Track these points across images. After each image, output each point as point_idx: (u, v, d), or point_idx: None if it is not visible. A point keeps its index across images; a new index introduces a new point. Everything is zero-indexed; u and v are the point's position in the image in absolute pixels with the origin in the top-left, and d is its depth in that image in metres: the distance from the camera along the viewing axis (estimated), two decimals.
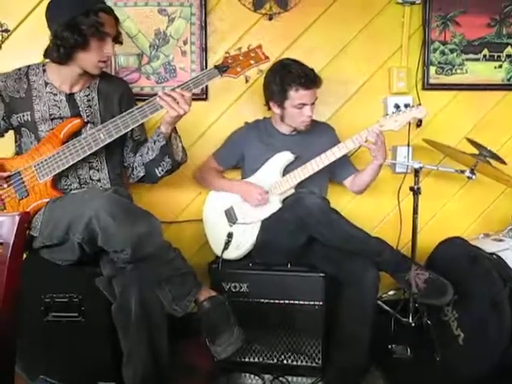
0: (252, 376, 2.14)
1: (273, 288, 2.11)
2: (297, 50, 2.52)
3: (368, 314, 1.97)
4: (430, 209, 2.67)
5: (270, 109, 2.32)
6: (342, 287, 2.01)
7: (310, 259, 2.14)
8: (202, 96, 2.51)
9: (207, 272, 2.19)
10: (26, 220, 1.11)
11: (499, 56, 2.61)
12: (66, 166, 1.83)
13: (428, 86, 2.61)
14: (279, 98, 2.20)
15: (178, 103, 1.80)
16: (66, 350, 1.86)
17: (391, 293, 2.50)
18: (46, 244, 1.78)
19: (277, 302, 2.11)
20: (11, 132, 2.01)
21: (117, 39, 1.91)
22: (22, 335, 1.60)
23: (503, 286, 1.86)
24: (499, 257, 2.00)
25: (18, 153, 1.98)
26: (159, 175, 2.01)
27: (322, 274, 2.08)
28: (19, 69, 1.94)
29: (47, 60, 1.91)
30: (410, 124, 2.42)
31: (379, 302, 2.37)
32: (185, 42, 2.49)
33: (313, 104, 2.21)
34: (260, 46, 1.98)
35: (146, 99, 1.86)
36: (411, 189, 2.36)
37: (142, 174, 2.05)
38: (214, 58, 2.47)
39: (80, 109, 1.94)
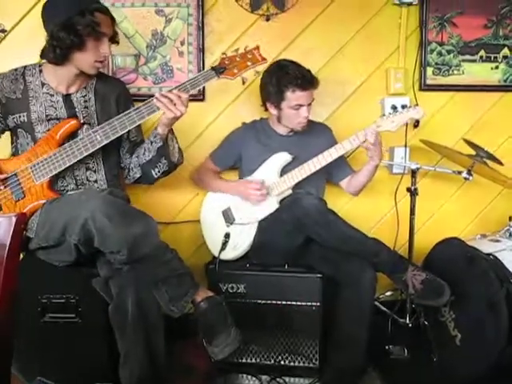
0: (249, 377, 2.13)
1: (270, 289, 2.11)
2: (294, 50, 2.52)
3: (365, 315, 1.97)
4: (427, 209, 2.67)
5: (266, 110, 2.32)
6: (339, 288, 2.01)
7: (308, 260, 2.14)
8: (199, 97, 2.51)
9: (204, 273, 2.19)
10: (22, 221, 1.11)
11: (496, 57, 2.62)
12: (63, 168, 1.83)
13: (425, 87, 2.62)
14: (276, 99, 2.20)
15: (174, 105, 1.80)
16: (63, 351, 1.86)
17: (388, 293, 2.50)
18: (42, 245, 1.78)
19: (274, 302, 2.11)
20: (8, 133, 2.00)
21: (113, 39, 1.91)
22: (19, 336, 1.60)
23: (500, 287, 1.87)
24: (496, 257, 2.01)
25: (15, 154, 1.97)
26: (156, 176, 2.01)
27: (319, 275, 2.08)
28: (15, 69, 1.94)
29: (44, 60, 1.90)
30: (407, 125, 2.42)
31: (376, 303, 2.37)
32: (182, 43, 2.49)
33: (309, 105, 2.22)
34: (257, 48, 1.99)
35: (143, 100, 1.86)
36: (408, 189, 2.37)
37: (138, 175, 2.05)
38: (211, 59, 2.47)
39: (76, 110, 1.94)
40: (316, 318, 2.09)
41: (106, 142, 1.83)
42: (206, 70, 1.94)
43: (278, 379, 2.11)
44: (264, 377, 2.12)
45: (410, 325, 2.35)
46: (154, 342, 1.70)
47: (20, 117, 1.90)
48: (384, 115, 2.15)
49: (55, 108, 1.91)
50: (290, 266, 2.16)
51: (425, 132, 2.59)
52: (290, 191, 2.23)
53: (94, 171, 1.97)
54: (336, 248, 2.00)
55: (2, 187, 1.85)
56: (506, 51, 2.62)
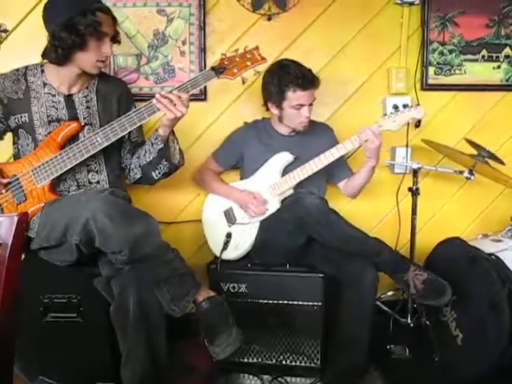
0: (251, 376, 2.13)
1: (272, 288, 2.11)
2: (295, 50, 2.52)
3: (367, 315, 1.97)
4: (428, 209, 2.67)
5: (268, 109, 2.32)
6: (341, 288, 2.01)
7: (309, 260, 2.14)
8: (201, 96, 2.51)
9: (206, 272, 2.19)
10: (24, 221, 1.11)
11: (498, 57, 2.61)
12: (64, 170, 1.84)
13: (427, 87, 2.61)
14: (277, 99, 2.20)
15: (175, 105, 1.79)
16: (65, 351, 1.86)
17: (390, 293, 2.50)
18: (44, 246, 1.78)
19: (275, 302, 2.11)
20: (9, 134, 2.01)
21: (115, 39, 1.91)
22: (21, 336, 1.61)
23: (502, 287, 1.86)
24: (498, 257, 2.00)
25: (17, 155, 1.97)
26: (156, 178, 2.01)
27: (320, 275, 2.08)
28: (17, 69, 1.94)
29: (45, 61, 1.90)
30: (408, 124, 2.43)
31: (378, 303, 2.37)
32: (183, 43, 2.49)
33: (311, 105, 2.21)
34: (256, 48, 1.98)
35: (144, 99, 1.87)
36: (410, 189, 2.37)
37: (138, 176, 2.05)
38: (213, 59, 2.47)
39: (78, 110, 1.94)
40: (318, 317, 2.09)
41: (106, 143, 1.83)
42: (205, 70, 1.94)
43: (279, 379, 2.11)
44: (266, 376, 2.12)
45: (412, 324, 2.36)
46: (155, 342, 1.70)
47: (21, 117, 1.90)
48: (385, 115, 2.15)
49: (56, 108, 1.91)
50: (292, 266, 2.16)
51: (426, 132, 2.59)
52: (292, 191, 2.23)
53: (96, 172, 1.97)
54: (337, 248, 2.00)
55: (3, 191, 1.86)
56: (507, 51, 2.61)
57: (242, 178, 2.41)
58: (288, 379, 2.11)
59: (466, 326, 2.02)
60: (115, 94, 2.03)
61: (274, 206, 2.21)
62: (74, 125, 1.88)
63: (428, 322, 2.29)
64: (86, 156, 1.83)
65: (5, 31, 2.38)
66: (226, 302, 1.77)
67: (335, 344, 2.04)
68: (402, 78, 2.57)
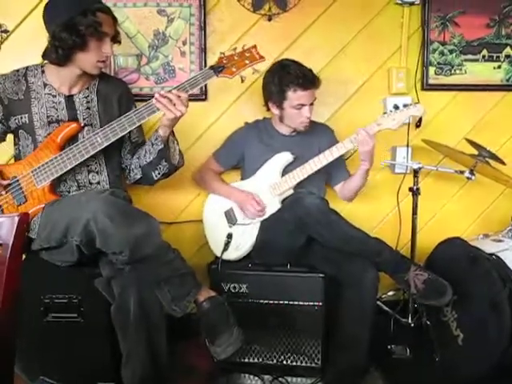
0: (251, 376, 2.13)
1: (272, 289, 2.11)
2: (296, 50, 2.52)
3: (367, 315, 1.97)
4: (429, 209, 2.67)
5: (268, 109, 2.32)
6: (342, 288, 2.01)
7: (310, 260, 2.14)
8: (202, 96, 2.51)
9: (206, 272, 2.19)
10: (25, 221, 1.11)
11: (498, 56, 2.61)
12: (64, 171, 1.84)
13: (427, 87, 2.61)
14: (278, 99, 2.20)
15: (174, 105, 1.79)
16: (66, 351, 1.87)
17: (391, 293, 2.50)
18: (44, 246, 1.78)
19: (276, 302, 2.11)
20: (10, 135, 2.01)
21: (115, 39, 1.91)
22: (22, 336, 1.60)
23: (503, 287, 1.86)
24: (499, 257, 2.00)
25: (18, 156, 1.97)
26: (156, 178, 2.01)
27: (321, 275, 2.08)
28: (17, 70, 1.93)
29: (46, 61, 1.90)
30: (409, 124, 2.43)
31: (379, 303, 2.37)
32: (184, 43, 2.49)
33: (311, 105, 2.22)
34: (255, 46, 1.98)
35: (145, 100, 1.87)
36: (410, 189, 2.37)
37: (138, 177, 2.05)
38: (213, 59, 2.44)
39: (78, 111, 1.94)
40: (318, 317, 2.09)
41: (106, 143, 1.83)
42: (204, 69, 1.94)
43: (280, 379, 2.10)
44: (266, 376, 2.12)
45: (412, 324, 2.36)
46: (156, 342, 1.70)
47: (21, 118, 1.90)
48: (385, 113, 2.15)
49: (56, 109, 1.91)
50: (293, 266, 2.16)
51: (427, 132, 2.59)
52: (292, 191, 2.23)
53: (97, 173, 1.98)
54: (338, 248, 2.00)
55: (3, 192, 1.86)
56: (508, 50, 2.61)
57: (242, 178, 2.41)
58: (289, 379, 2.11)
59: (466, 326, 2.02)
60: (116, 95, 2.03)
61: (274, 206, 2.21)
62: (74, 125, 1.88)
63: (429, 322, 2.29)
64: (86, 156, 1.83)
65: (5, 32, 2.39)
66: (227, 302, 1.77)
67: (336, 344, 2.04)
68: (403, 77, 2.57)
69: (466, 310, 2.02)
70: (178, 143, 2.01)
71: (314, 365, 2.12)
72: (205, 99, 2.53)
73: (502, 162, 2.23)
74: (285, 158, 2.27)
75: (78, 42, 1.77)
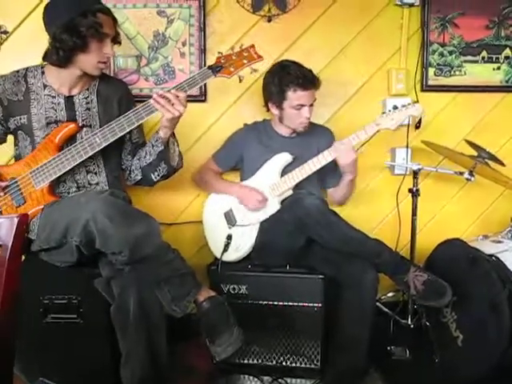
0: (251, 378, 2.13)
1: (272, 290, 2.11)
2: (296, 51, 2.52)
3: (367, 316, 1.97)
4: (428, 210, 2.67)
5: (268, 110, 2.32)
6: (341, 289, 2.01)
7: (309, 261, 2.14)
8: (201, 98, 2.51)
9: (206, 274, 2.19)
10: (24, 222, 1.11)
11: (498, 58, 2.62)
12: (63, 172, 1.83)
13: (427, 88, 2.62)
14: (277, 99, 2.21)
15: (172, 105, 1.79)
16: (65, 352, 1.86)
17: (390, 294, 2.50)
18: (44, 247, 1.78)
19: (276, 303, 2.11)
20: (10, 137, 2.01)
21: (115, 39, 1.91)
22: (21, 337, 1.61)
23: (502, 288, 1.86)
24: (498, 258, 2.00)
25: (18, 156, 1.97)
26: (155, 180, 2.01)
27: (321, 276, 2.08)
28: (17, 71, 1.93)
29: (45, 62, 1.90)
30: (408, 126, 2.43)
31: (378, 304, 2.37)
32: (183, 44, 2.49)
33: (311, 105, 2.22)
34: (252, 46, 1.98)
35: (144, 101, 1.86)
36: (410, 190, 2.37)
37: (139, 178, 2.05)
38: (213, 60, 2.44)
39: (77, 112, 1.93)
40: (318, 319, 2.09)
41: (105, 144, 1.83)
42: (202, 69, 1.94)
43: (279, 380, 2.10)
44: (266, 378, 2.12)
45: (412, 326, 2.36)
46: (155, 342, 1.70)
47: (20, 119, 1.90)
48: (384, 113, 2.16)
49: (55, 110, 1.91)
50: (292, 267, 2.16)
51: (426, 133, 2.59)
52: (291, 192, 2.23)
53: (95, 173, 1.97)
54: (337, 249, 2.00)
55: (2, 194, 1.86)
56: (507, 52, 2.62)
57: (241, 180, 2.41)
58: (288, 380, 2.11)
59: (466, 327, 2.02)
60: (116, 96, 2.02)
61: (273, 206, 2.21)
62: (72, 126, 1.88)
63: (428, 323, 2.29)
64: (85, 157, 1.83)
65: (5, 33, 2.39)
66: (227, 302, 1.77)
67: (335, 345, 2.04)
68: (402, 79, 2.57)
69: (466, 311, 2.02)
70: (178, 145, 2.01)
71: (313, 366, 2.12)
72: (204, 100, 2.53)
73: (502, 164, 2.23)
74: (284, 158, 2.27)
75: (79, 43, 1.77)
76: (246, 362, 2.15)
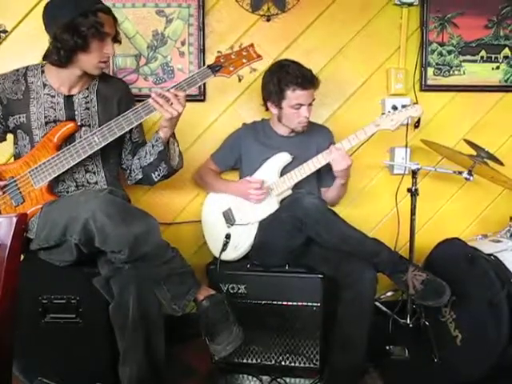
0: (250, 377, 2.14)
1: (271, 289, 2.11)
2: (295, 51, 2.52)
3: (366, 315, 1.96)
4: (427, 210, 2.67)
5: (267, 109, 2.32)
6: (340, 288, 2.00)
7: (308, 261, 2.14)
8: (200, 97, 2.51)
9: (205, 273, 2.19)
10: (23, 221, 1.11)
11: (496, 57, 2.62)
12: (62, 171, 1.83)
13: (426, 88, 2.62)
14: (276, 98, 2.21)
15: (171, 104, 1.79)
16: (64, 352, 1.86)
17: (389, 294, 2.50)
18: (43, 246, 1.78)
19: (275, 303, 2.11)
20: (10, 135, 2.00)
21: (116, 39, 1.90)
22: (20, 336, 1.60)
23: (501, 287, 1.86)
24: (497, 258, 2.01)
25: (17, 155, 1.97)
26: (156, 179, 2.01)
27: (320, 276, 2.08)
28: (17, 70, 1.93)
29: (45, 61, 1.90)
30: (407, 125, 2.43)
31: (377, 303, 2.37)
32: (183, 43, 2.49)
33: (310, 105, 2.22)
34: (252, 45, 1.99)
35: (143, 100, 1.86)
36: (409, 190, 2.37)
37: (139, 177, 2.04)
38: (212, 59, 2.44)
39: (76, 112, 1.93)
40: (317, 318, 2.09)
41: (104, 143, 1.83)
42: (202, 68, 1.94)
43: (278, 379, 2.11)
44: (265, 377, 2.12)
45: (411, 325, 2.36)
46: (154, 341, 1.70)
47: (20, 118, 1.89)
48: (383, 114, 2.16)
49: (54, 109, 1.91)
50: (291, 267, 2.16)
51: (425, 132, 2.59)
52: (290, 191, 2.23)
53: (94, 173, 1.97)
54: (336, 248, 2.00)
55: (0, 193, 1.85)
56: (506, 51, 2.62)
57: (241, 179, 2.41)
58: (287, 380, 2.11)
59: (465, 326, 2.02)
60: (116, 96, 2.02)
61: (272, 206, 2.21)
62: (71, 125, 1.87)
63: (427, 323, 2.29)
64: (84, 156, 1.82)
65: (4, 32, 2.38)
66: (226, 301, 1.77)
67: (334, 344, 2.04)
68: (401, 78, 2.57)
69: (465, 311, 2.03)
70: (178, 145, 2.01)
71: (312, 365, 2.12)
72: (203, 100, 2.53)
73: (501, 163, 2.23)
74: (283, 158, 2.27)
75: (80, 43, 1.76)
76: (245, 361, 2.15)
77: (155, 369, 1.70)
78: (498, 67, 2.63)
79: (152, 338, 1.69)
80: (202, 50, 2.48)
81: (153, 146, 1.93)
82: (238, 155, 2.40)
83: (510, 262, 1.97)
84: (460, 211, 2.74)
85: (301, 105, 2.18)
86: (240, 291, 2.12)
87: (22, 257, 1.84)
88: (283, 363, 2.14)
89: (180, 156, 2.04)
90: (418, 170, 2.33)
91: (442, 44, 2.60)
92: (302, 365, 2.13)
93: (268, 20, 2.51)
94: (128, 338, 1.68)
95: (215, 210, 2.35)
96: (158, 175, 1.99)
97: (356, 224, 2.02)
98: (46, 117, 1.89)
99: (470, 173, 2.24)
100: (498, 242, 2.16)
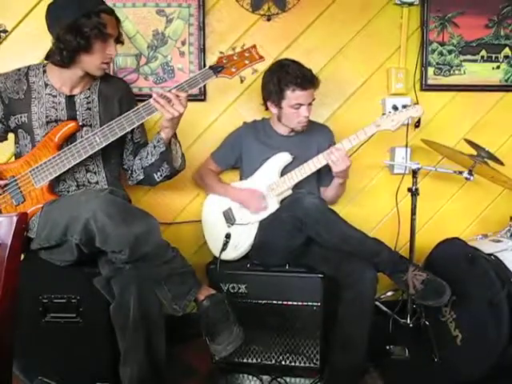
0: (250, 377, 2.14)
1: (271, 289, 2.11)
2: (295, 50, 2.52)
3: (366, 315, 1.96)
4: (428, 210, 2.67)
5: (267, 109, 2.32)
6: (340, 288, 2.00)
7: (308, 260, 2.14)
8: (201, 97, 2.50)
9: (205, 273, 2.19)
10: (23, 221, 1.11)
11: (497, 57, 2.62)
12: (62, 171, 1.83)
13: (426, 87, 2.62)
14: (276, 98, 2.21)
15: (172, 105, 1.79)
16: (64, 351, 1.86)
17: (389, 294, 2.50)
18: (44, 246, 1.78)
19: (275, 302, 2.11)
20: (11, 134, 2.00)
21: (118, 39, 1.90)
22: (20, 336, 1.61)
23: (501, 287, 1.86)
24: (497, 258, 2.01)
25: (18, 154, 1.97)
26: (158, 180, 2.01)
27: (320, 275, 2.08)
28: (19, 69, 1.93)
29: (47, 61, 1.90)
30: (408, 125, 2.43)
31: (377, 303, 2.37)
32: (183, 43, 2.49)
33: (310, 105, 2.22)
34: (254, 46, 1.98)
35: (144, 100, 1.86)
36: (409, 190, 2.37)
37: (141, 177, 2.05)
38: (212, 59, 2.47)
39: (77, 112, 1.93)
40: (317, 318, 2.09)
41: (105, 143, 1.83)
42: (204, 69, 1.93)
43: (278, 379, 2.11)
44: (265, 377, 2.12)
45: (411, 325, 2.36)
46: (155, 342, 1.70)
47: (21, 117, 1.89)
48: (384, 114, 2.15)
49: (56, 109, 1.91)
50: (291, 266, 2.16)
51: (426, 132, 2.59)
52: (290, 191, 2.23)
53: (95, 173, 1.97)
54: (336, 248, 2.00)
55: (1, 192, 1.85)
56: (507, 51, 2.62)
57: (241, 178, 2.41)
58: (287, 379, 2.12)
59: (465, 326, 2.02)
60: (117, 96, 2.02)
61: (273, 206, 2.21)
62: (72, 124, 1.87)
63: (427, 323, 2.29)
64: (85, 156, 1.82)
65: (4, 31, 2.38)
66: (227, 300, 1.77)
67: (334, 344, 2.04)
68: (402, 78, 2.57)
69: (465, 311, 2.03)
70: (180, 146, 2.01)
71: (312, 365, 2.12)
72: (204, 99, 2.53)
73: (501, 163, 2.23)
74: (284, 158, 2.27)
75: (83, 44, 1.76)
76: (245, 361, 2.15)
77: (156, 369, 1.70)
78: (498, 67, 2.63)
79: (153, 339, 1.69)
80: (203, 50, 2.48)
81: (154, 147, 1.93)
82: (238, 154, 2.40)
83: (510, 262, 1.97)
84: (460, 211, 2.74)
85: (300, 105, 2.18)
86: (240, 291, 2.12)
87: (23, 256, 1.84)
88: (283, 363, 2.14)
89: (182, 157, 2.04)
90: (419, 169, 2.33)
91: (442, 44, 2.60)
92: (302, 364, 2.13)
93: (268, 20, 2.51)
94: (129, 339, 1.68)
95: (215, 210, 2.35)
96: (161, 176, 1.99)
97: (356, 224, 2.02)
98: (47, 116, 1.89)
99: (470, 172, 2.24)
100: (499, 241, 2.16)
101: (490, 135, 2.62)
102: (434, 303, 1.94)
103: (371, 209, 2.68)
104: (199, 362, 2.19)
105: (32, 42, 2.30)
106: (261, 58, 1.98)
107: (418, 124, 2.55)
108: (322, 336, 2.10)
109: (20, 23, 2.39)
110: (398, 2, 2.52)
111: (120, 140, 1.90)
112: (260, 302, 2.12)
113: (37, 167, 1.83)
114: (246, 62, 1.96)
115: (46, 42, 1.83)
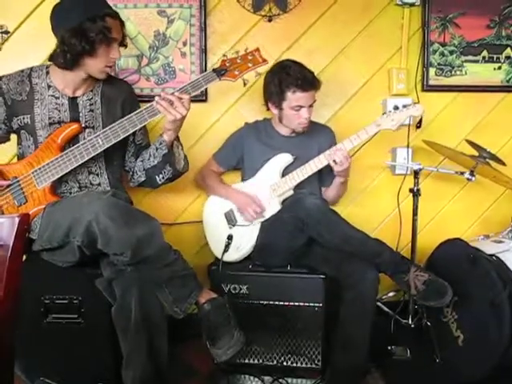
0: (252, 378, 2.14)
1: (273, 290, 2.11)
2: (296, 51, 2.52)
3: (368, 316, 1.96)
4: (429, 210, 2.67)
5: (268, 109, 2.32)
6: (342, 289, 2.00)
7: (310, 261, 2.14)
8: (202, 98, 2.50)
9: (207, 274, 2.19)
10: (25, 222, 1.11)
11: (498, 57, 2.62)
12: (65, 172, 1.83)
13: (427, 88, 2.62)
14: (277, 99, 2.21)
15: (175, 107, 1.79)
16: (66, 352, 1.86)
17: (391, 294, 2.50)
18: (45, 247, 1.78)
19: (276, 303, 2.11)
20: (14, 135, 2.01)
21: (122, 42, 1.91)
22: (22, 336, 1.61)
23: (503, 288, 1.86)
24: (499, 258, 2.00)
25: (20, 155, 1.97)
26: (160, 182, 2.01)
27: (321, 276, 2.08)
28: (22, 71, 1.93)
29: (50, 62, 1.90)
30: (409, 125, 2.43)
31: (379, 304, 2.37)
32: (184, 44, 2.49)
33: (311, 106, 2.22)
34: (257, 49, 1.99)
35: (145, 101, 1.87)
36: (411, 190, 2.37)
37: (142, 179, 2.05)
38: (214, 60, 2.48)
39: (80, 114, 1.93)
40: (318, 318, 2.09)
41: (107, 145, 1.83)
42: (207, 72, 1.94)
43: (280, 380, 2.11)
44: (267, 378, 2.12)
45: (413, 325, 2.36)
46: (156, 343, 1.70)
47: (24, 119, 1.89)
48: (384, 113, 2.16)
49: (59, 111, 1.91)
50: (293, 267, 2.16)
51: (427, 133, 2.59)
52: (292, 192, 2.23)
53: (97, 175, 1.97)
54: (338, 248, 1.99)
55: (3, 193, 1.86)
56: (508, 51, 2.62)
57: (242, 179, 2.41)
58: (289, 380, 2.11)
59: (467, 326, 2.02)
60: (120, 98, 2.02)
61: (274, 207, 2.21)
62: (75, 126, 1.87)
63: (429, 323, 2.29)
64: (87, 158, 1.83)
65: (6, 33, 2.38)
66: (228, 304, 1.77)
67: (336, 345, 2.04)
68: (403, 78, 2.57)
69: (467, 311, 2.03)
70: (182, 148, 2.02)
71: (314, 366, 2.12)
72: (205, 100, 2.53)
73: (503, 163, 2.23)
74: (285, 158, 2.27)
75: (87, 48, 1.76)
76: (246, 361, 2.15)
77: (158, 371, 1.70)
78: (499, 67, 2.63)
79: (155, 341, 1.69)
80: (204, 51, 2.48)
81: (157, 149, 1.93)
82: (240, 155, 2.40)
83: None
84: (462, 211, 2.74)
85: (301, 106, 2.18)
86: (242, 292, 2.12)
87: (25, 257, 1.84)
88: (285, 363, 2.14)
89: (185, 159, 2.04)
90: (420, 170, 2.33)
91: (443, 44, 2.60)
92: (303, 365, 2.13)
93: (270, 20, 2.51)
94: (131, 341, 1.68)
95: (217, 211, 2.35)
96: (163, 178, 1.99)
97: (358, 224, 2.02)
98: (50, 118, 1.89)
99: (471, 173, 2.24)
100: (500, 242, 2.15)
101: (492, 136, 2.62)
102: (436, 304, 1.94)
103: (373, 209, 2.68)
104: (200, 363, 2.19)
105: (34, 43, 2.30)
106: (264, 61, 1.98)
107: (419, 125, 2.54)
108: (323, 337, 2.10)
109: (22, 24, 2.39)
110: (400, 3, 2.52)
111: (122, 142, 1.90)
112: (261, 302, 2.12)
113: (39, 168, 1.83)
114: (250, 65, 1.96)
115: (48, 42, 1.83)
